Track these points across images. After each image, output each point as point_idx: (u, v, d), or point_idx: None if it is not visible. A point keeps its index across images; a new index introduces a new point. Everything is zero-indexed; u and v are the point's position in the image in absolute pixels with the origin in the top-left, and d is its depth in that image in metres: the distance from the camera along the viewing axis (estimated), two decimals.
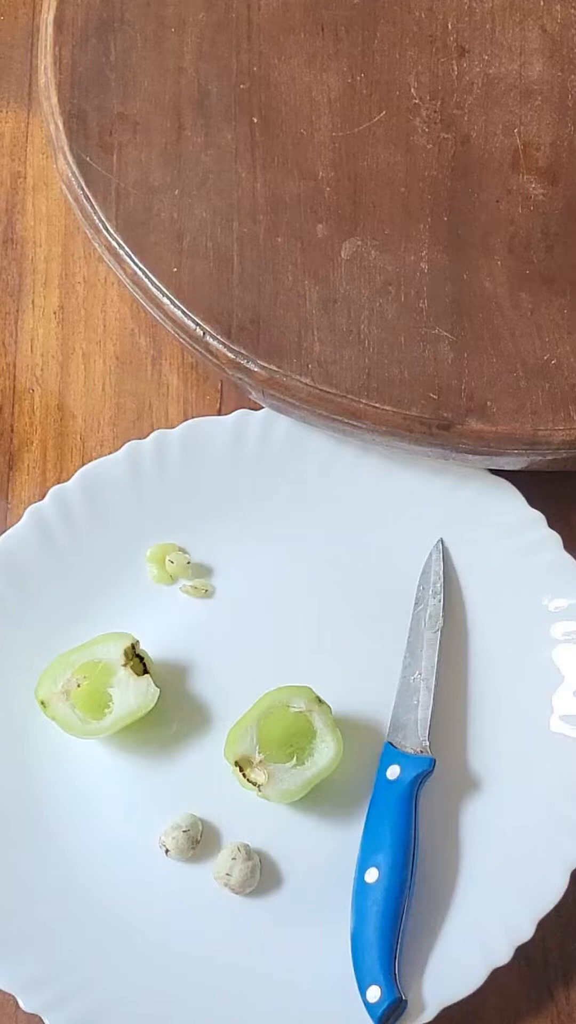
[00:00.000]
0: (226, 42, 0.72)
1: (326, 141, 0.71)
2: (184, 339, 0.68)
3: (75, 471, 0.69)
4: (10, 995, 0.61)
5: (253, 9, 0.73)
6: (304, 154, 0.71)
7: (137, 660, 0.65)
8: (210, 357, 0.68)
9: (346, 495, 0.69)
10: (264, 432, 0.69)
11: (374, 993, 0.61)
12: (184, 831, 0.64)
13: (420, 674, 0.67)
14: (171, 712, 0.67)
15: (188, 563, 0.69)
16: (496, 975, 0.61)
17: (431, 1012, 0.61)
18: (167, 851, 0.64)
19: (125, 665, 0.65)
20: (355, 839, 0.64)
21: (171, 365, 0.74)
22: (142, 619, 0.68)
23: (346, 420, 0.66)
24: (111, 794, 0.65)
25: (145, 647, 0.66)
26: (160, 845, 0.64)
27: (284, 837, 0.65)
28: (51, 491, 0.69)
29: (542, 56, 0.74)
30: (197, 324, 0.67)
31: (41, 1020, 0.61)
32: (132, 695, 0.64)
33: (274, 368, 0.66)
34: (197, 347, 0.68)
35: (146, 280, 0.68)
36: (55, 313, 0.75)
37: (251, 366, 0.67)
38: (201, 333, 0.67)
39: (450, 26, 0.74)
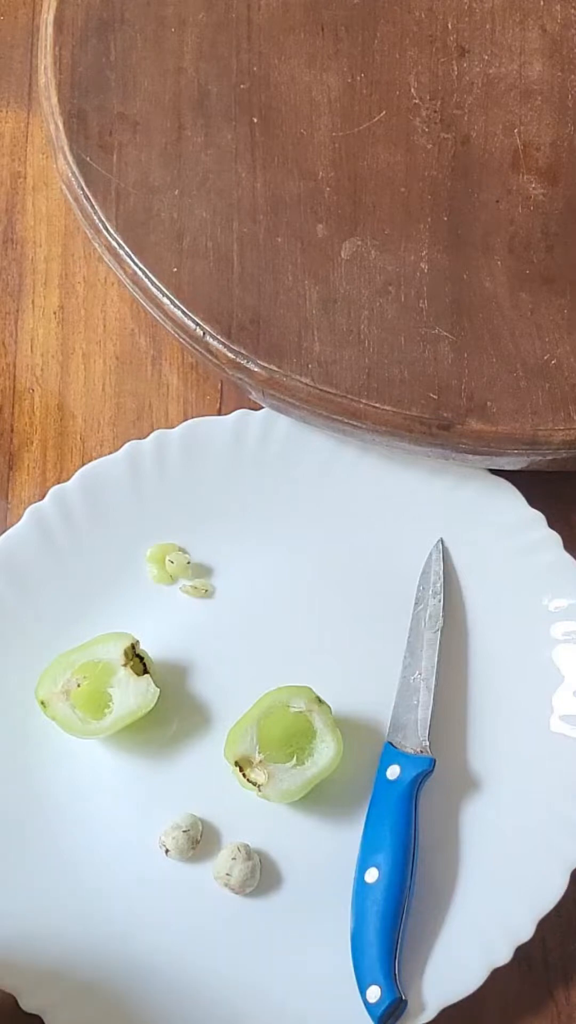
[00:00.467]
0: (226, 42, 0.72)
1: (326, 141, 0.71)
2: (184, 339, 0.68)
3: (75, 471, 0.69)
4: (10, 995, 0.61)
5: (253, 9, 0.73)
6: (304, 154, 0.71)
7: (137, 660, 0.65)
8: (210, 357, 0.68)
9: (346, 495, 0.69)
10: (264, 432, 0.70)
11: (374, 993, 0.61)
12: (184, 831, 0.64)
13: (420, 674, 0.67)
14: (171, 712, 0.67)
15: (188, 563, 0.69)
16: (496, 975, 0.61)
17: (431, 1012, 0.61)
18: (167, 851, 0.64)
19: (125, 665, 0.65)
20: (355, 839, 0.64)
21: (171, 365, 0.74)
22: (142, 619, 0.68)
23: (346, 420, 0.66)
24: (111, 794, 0.65)
25: (145, 647, 0.66)
26: (160, 845, 0.64)
27: (284, 837, 0.65)
28: (51, 491, 0.69)
29: (542, 56, 0.74)
30: (197, 324, 0.67)
31: (41, 1020, 0.61)
32: (132, 695, 0.64)
33: (274, 368, 0.66)
34: (197, 347, 0.68)
35: (146, 280, 0.68)
36: (55, 313, 0.75)
37: (251, 366, 0.67)
38: (201, 333, 0.67)
39: (450, 26, 0.74)
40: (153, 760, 0.66)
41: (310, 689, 0.64)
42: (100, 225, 0.69)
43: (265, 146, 0.71)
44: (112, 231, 0.69)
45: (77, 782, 0.66)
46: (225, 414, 0.71)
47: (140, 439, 0.69)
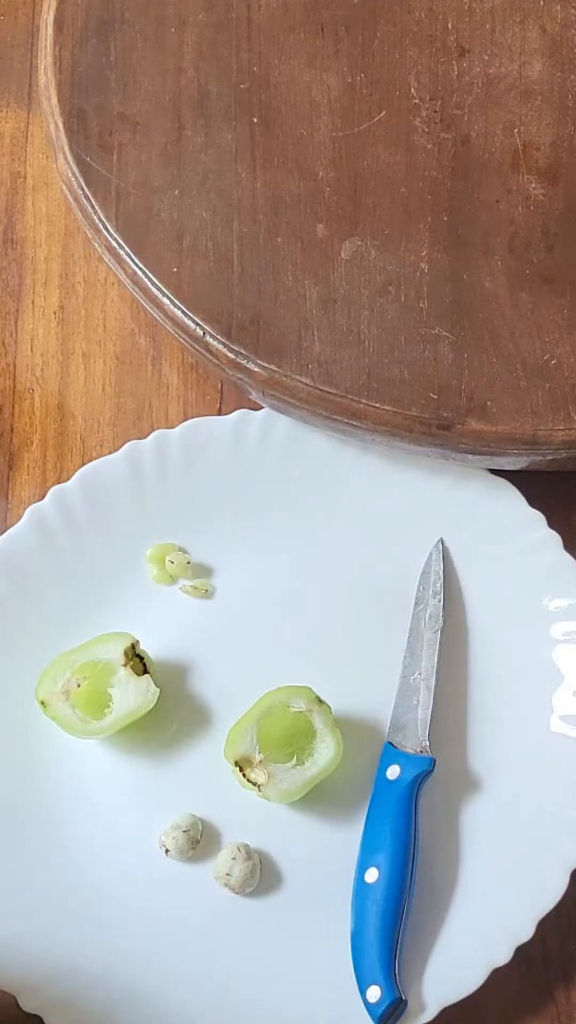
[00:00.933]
0: (226, 42, 0.72)
1: (326, 141, 0.71)
2: (184, 339, 0.68)
3: (75, 471, 0.69)
4: (10, 995, 0.61)
5: (253, 9, 0.73)
6: (304, 154, 0.71)
7: (137, 660, 0.65)
8: (210, 357, 0.68)
9: (346, 495, 0.69)
10: (264, 432, 0.70)
11: (374, 993, 0.61)
12: (184, 831, 0.64)
13: (420, 674, 0.67)
14: (171, 712, 0.67)
15: (188, 563, 0.69)
16: (496, 975, 0.61)
17: (431, 1012, 0.61)
18: (167, 851, 0.64)
19: (125, 665, 0.65)
20: (355, 839, 0.64)
21: (171, 365, 0.74)
22: (142, 619, 0.68)
23: (346, 420, 0.66)
24: (111, 794, 0.66)
25: (145, 647, 0.66)
26: (160, 845, 0.64)
27: (284, 837, 0.65)
28: (51, 491, 0.69)
29: (542, 56, 0.74)
30: (197, 324, 0.67)
31: (41, 1020, 0.61)
32: (132, 695, 0.64)
33: (274, 368, 0.66)
34: (197, 347, 0.68)
35: (146, 280, 0.68)
36: (55, 313, 0.75)
37: (251, 366, 0.67)
38: (201, 333, 0.67)
39: (450, 26, 0.74)
40: (153, 760, 0.66)
41: (310, 689, 0.64)
42: (100, 225, 0.69)
43: (265, 146, 0.71)
44: (112, 231, 0.69)
45: (77, 782, 0.66)
46: (225, 414, 0.71)
47: (140, 439, 0.69)
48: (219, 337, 0.67)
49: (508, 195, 0.71)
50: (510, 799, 0.65)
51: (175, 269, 0.68)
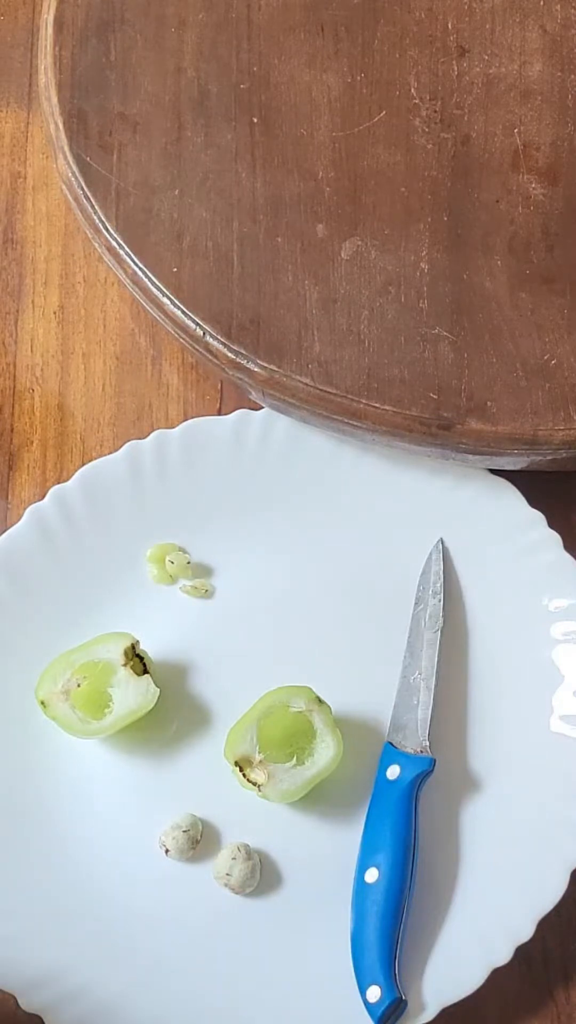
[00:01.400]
0: (226, 42, 0.72)
1: (326, 141, 0.71)
2: (184, 339, 0.68)
3: (75, 471, 0.69)
4: (10, 995, 0.61)
5: (253, 9, 0.73)
6: (304, 154, 0.71)
7: (137, 660, 0.65)
8: (210, 357, 0.68)
9: (346, 495, 0.69)
10: (264, 432, 0.70)
11: (374, 993, 0.61)
12: (184, 831, 0.64)
13: (420, 674, 0.67)
14: (171, 712, 0.67)
15: (188, 563, 0.69)
16: (496, 975, 0.61)
17: (431, 1012, 0.61)
18: (167, 851, 0.64)
19: (125, 665, 0.65)
20: (355, 839, 0.64)
21: (171, 365, 0.74)
22: (142, 619, 0.68)
23: (346, 420, 0.66)
24: (111, 794, 0.66)
25: (145, 647, 0.66)
26: (160, 845, 0.64)
27: (284, 837, 0.65)
28: (51, 491, 0.69)
29: (542, 56, 0.74)
30: (197, 324, 0.67)
31: (41, 1020, 0.61)
32: (132, 695, 0.64)
33: (274, 368, 0.66)
34: (197, 347, 0.68)
35: (146, 280, 0.68)
36: (55, 313, 0.75)
37: (251, 366, 0.67)
38: (201, 333, 0.67)
39: (450, 26, 0.74)
40: (153, 760, 0.66)
41: (310, 689, 0.64)
42: (100, 225, 0.69)
43: (265, 146, 0.71)
44: (112, 231, 0.69)
45: (77, 782, 0.66)
46: (225, 414, 0.71)
47: (140, 439, 0.69)
48: (219, 337, 0.67)
49: (508, 195, 0.71)
50: (510, 799, 0.65)
51: (175, 269, 0.68)
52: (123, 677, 0.65)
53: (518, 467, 0.68)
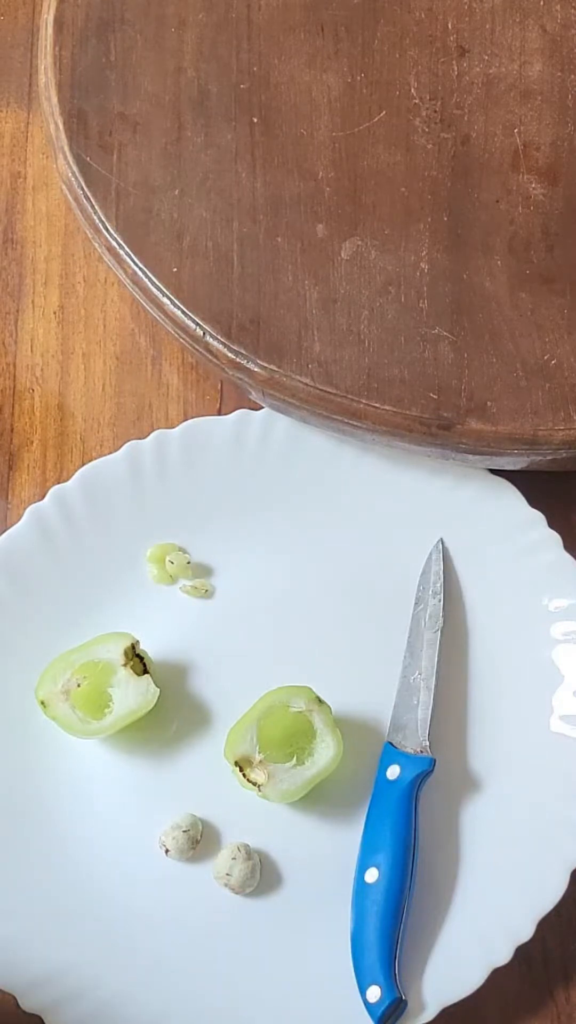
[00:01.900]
0: (226, 42, 0.72)
1: (326, 141, 0.71)
2: (184, 339, 0.68)
3: (75, 471, 0.69)
4: (10, 995, 0.61)
5: (253, 9, 0.73)
6: (304, 154, 0.71)
7: (137, 660, 0.65)
8: (210, 357, 0.68)
9: (346, 495, 0.69)
10: (264, 432, 0.70)
11: (374, 993, 0.61)
12: (184, 831, 0.64)
13: (420, 674, 0.67)
14: (171, 712, 0.67)
15: (188, 563, 0.69)
16: (496, 975, 0.61)
17: (431, 1012, 0.61)
18: (167, 851, 0.64)
19: (125, 665, 0.65)
20: (355, 839, 0.64)
21: (171, 365, 0.74)
22: (142, 619, 0.68)
23: (346, 420, 0.66)
24: (111, 794, 0.66)
25: (145, 647, 0.66)
26: (160, 845, 0.64)
27: (284, 837, 0.65)
28: (51, 491, 0.69)
29: (542, 56, 0.74)
30: (197, 324, 0.67)
31: (41, 1020, 0.61)
32: (132, 695, 0.64)
33: (274, 368, 0.66)
34: (197, 347, 0.68)
35: (146, 280, 0.68)
36: (55, 313, 0.75)
37: (251, 366, 0.67)
38: (201, 333, 0.67)
39: (450, 26, 0.74)
40: (153, 760, 0.66)
41: (310, 689, 0.64)
42: (100, 225, 0.69)
43: (265, 146, 0.71)
44: (112, 231, 0.69)
45: (77, 782, 0.66)
46: (225, 414, 0.71)
47: (140, 439, 0.69)
48: (219, 337, 0.67)
49: (508, 195, 0.71)
50: (510, 799, 0.65)
51: (175, 269, 0.68)
52: (123, 677, 0.65)
53: (518, 467, 0.68)
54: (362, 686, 0.67)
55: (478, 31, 0.74)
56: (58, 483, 0.69)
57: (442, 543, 0.69)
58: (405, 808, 0.63)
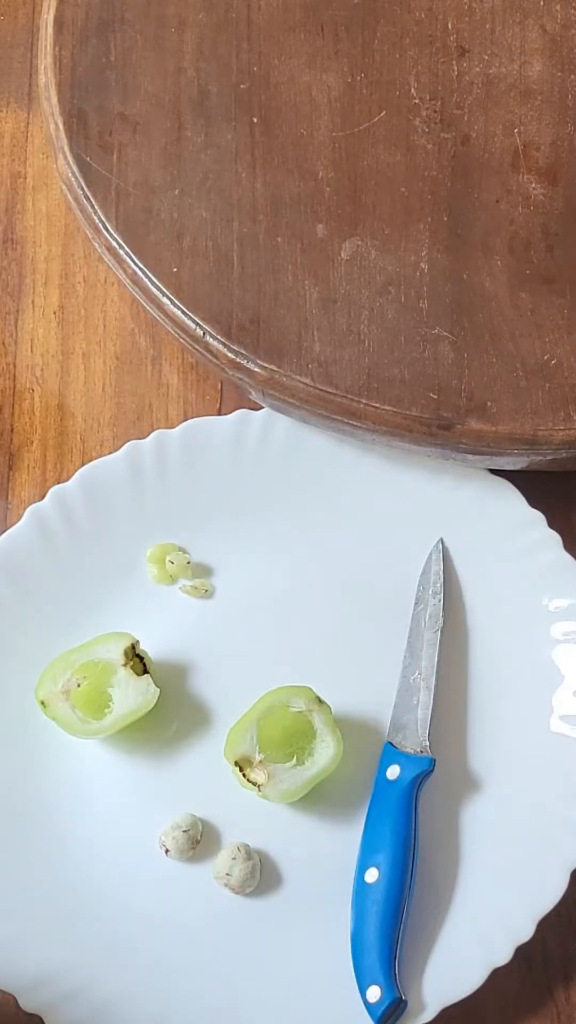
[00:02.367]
0: (226, 42, 0.72)
1: (326, 141, 0.71)
2: (184, 339, 0.68)
3: (75, 471, 0.69)
4: (10, 995, 0.61)
5: (253, 9, 0.73)
6: (304, 154, 0.71)
7: (137, 660, 0.65)
8: (210, 357, 0.68)
9: (346, 495, 0.69)
10: (264, 432, 0.70)
11: (374, 993, 0.61)
12: (184, 831, 0.64)
13: (420, 674, 0.67)
14: (171, 712, 0.67)
15: (188, 563, 0.69)
16: (496, 975, 0.61)
17: (431, 1012, 0.61)
18: (167, 851, 0.64)
19: (125, 665, 0.65)
20: (355, 839, 0.64)
21: (171, 365, 0.74)
22: (142, 619, 0.68)
23: (346, 420, 0.66)
24: (111, 794, 0.66)
25: (145, 647, 0.66)
26: (160, 845, 0.64)
27: (284, 837, 0.65)
28: (51, 491, 0.69)
29: (542, 56, 0.74)
30: (197, 324, 0.67)
31: (41, 1020, 0.61)
32: (132, 695, 0.64)
33: (274, 368, 0.66)
34: (197, 347, 0.68)
35: (146, 280, 0.68)
36: (55, 313, 0.75)
37: (251, 366, 0.67)
38: (201, 333, 0.67)
39: (450, 26, 0.74)
40: (153, 760, 0.66)
41: (310, 689, 0.64)
42: (100, 225, 0.69)
43: (265, 146, 0.71)
44: (112, 231, 0.69)
45: (77, 782, 0.66)
46: (225, 414, 0.71)
47: (140, 439, 0.69)
48: (219, 337, 0.67)
49: (508, 195, 0.71)
50: (510, 799, 0.65)
51: (175, 269, 0.68)
52: (123, 677, 0.65)
53: (518, 467, 0.68)
54: (362, 686, 0.67)
55: (478, 31, 0.74)
56: (58, 483, 0.69)
57: (442, 543, 0.69)
58: (405, 808, 0.63)
